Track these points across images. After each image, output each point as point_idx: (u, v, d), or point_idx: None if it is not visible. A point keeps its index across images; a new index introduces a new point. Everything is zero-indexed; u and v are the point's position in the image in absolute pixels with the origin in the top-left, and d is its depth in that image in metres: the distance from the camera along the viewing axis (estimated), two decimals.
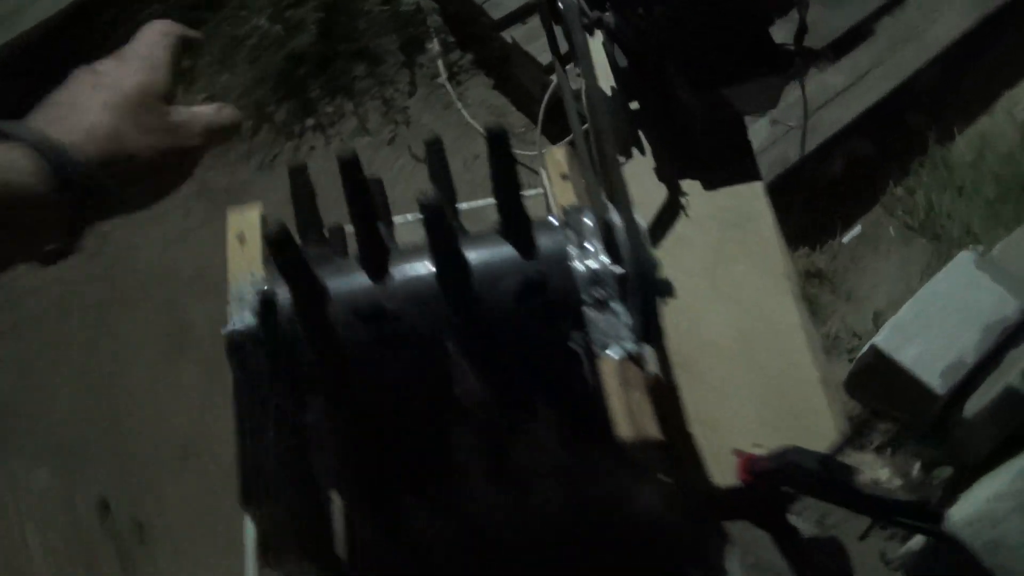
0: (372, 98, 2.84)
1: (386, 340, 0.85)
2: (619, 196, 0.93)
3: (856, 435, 2.25)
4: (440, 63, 2.84)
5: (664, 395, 1.08)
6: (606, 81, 1.42)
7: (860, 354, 2.14)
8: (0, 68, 2.72)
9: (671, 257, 1.24)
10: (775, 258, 1.23)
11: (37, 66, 2.74)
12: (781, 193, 2.43)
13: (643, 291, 0.90)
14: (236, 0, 2.84)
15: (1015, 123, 2.68)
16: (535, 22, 2.63)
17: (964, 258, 2.18)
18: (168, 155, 0.57)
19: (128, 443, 2.25)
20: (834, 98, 2.51)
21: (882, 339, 2.06)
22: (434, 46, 2.86)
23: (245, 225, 0.94)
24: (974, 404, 2.00)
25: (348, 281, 0.86)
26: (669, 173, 1.32)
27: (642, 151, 1.36)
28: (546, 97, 2.16)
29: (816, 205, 2.55)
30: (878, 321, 2.32)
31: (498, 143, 0.89)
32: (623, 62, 1.37)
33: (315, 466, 0.89)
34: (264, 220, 0.87)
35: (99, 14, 2.81)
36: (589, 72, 1.06)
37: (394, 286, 0.86)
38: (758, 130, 2.43)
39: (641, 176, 1.36)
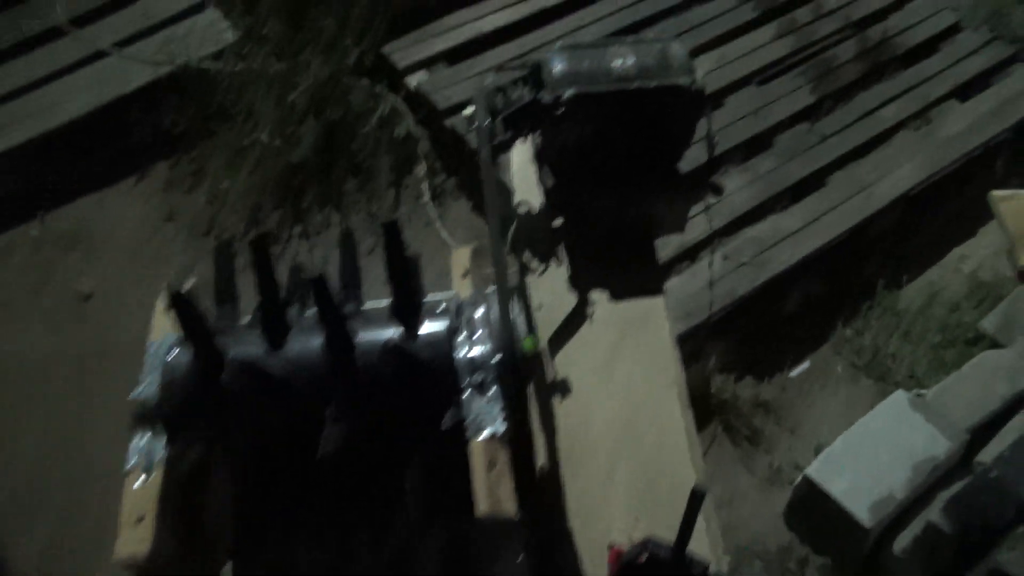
0: (358, 211, 3.03)
1: (272, 402, 0.95)
2: (502, 292, 1.05)
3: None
4: (425, 185, 3.05)
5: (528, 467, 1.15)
6: (536, 197, 1.58)
7: (795, 484, 2.19)
8: (37, 153, 2.98)
9: (572, 357, 1.35)
10: (667, 365, 1.33)
11: (68, 154, 3.07)
12: (731, 325, 2.55)
13: (510, 377, 1.00)
14: (244, 114, 3.09)
15: (962, 276, 2.82)
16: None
17: (899, 397, 2.27)
18: None
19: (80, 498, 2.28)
20: (786, 238, 2.67)
21: (814, 470, 2.11)
22: (421, 168, 3.09)
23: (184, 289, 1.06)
24: (902, 541, 2.02)
25: (246, 348, 0.97)
26: (581, 282, 1.45)
27: (560, 262, 1.50)
28: (512, 228, 2.33)
29: (767, 338, 2.66)
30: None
31: (390, 235, 1.02)
32: (549, 181, 1.53)
33: (203, 512, 0.97)
34: (168, 284, 1.00)
35: (125, 111, 3.09)
36: (491, 190, 1.21)
37: (287, 355, 0.97)
38: (712, 263, 2.58)
39: (558, 284, 1.49)
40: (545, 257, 1.50)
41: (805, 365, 2.65)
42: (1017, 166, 3.03)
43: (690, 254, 2.63)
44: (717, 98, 3.11)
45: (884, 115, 3.05)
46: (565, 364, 1.36)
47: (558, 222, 1.55)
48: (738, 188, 2.80)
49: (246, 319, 1.11)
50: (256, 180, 3.09)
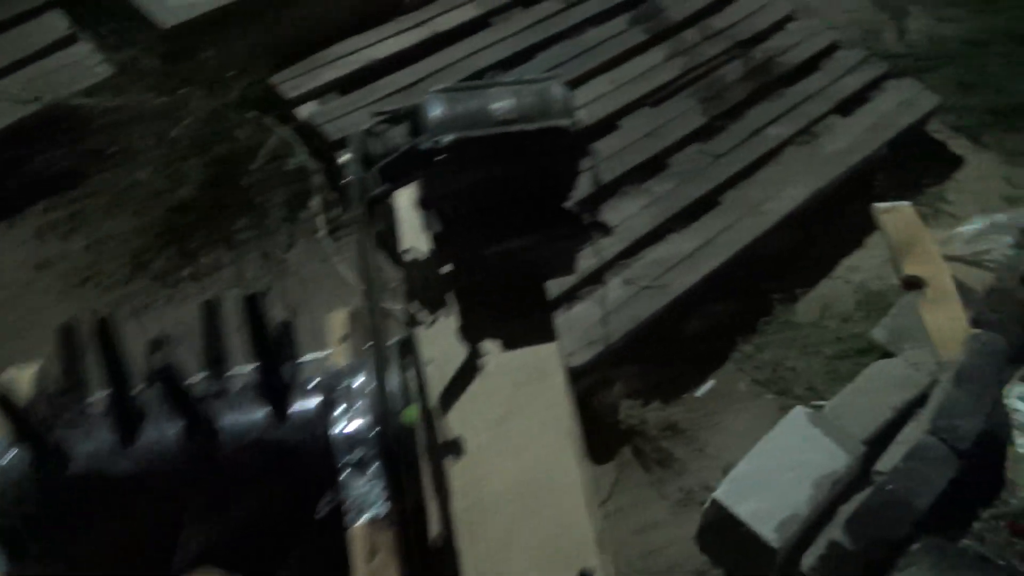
0: (251, 250, 2.91)
1: (123, 507, 0.86)
2: (379, 361, 0.99)
3: None
4: (320, 219, 2.96)
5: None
6: (423, 243, 1.52)
7: (704, 508, 2.20)
8: None
9: (465, 413, 1.30)
10: (562, 416, 1.30)
11: None
12: (634, 349, 2.56)
13: (389, 452, 0.94)
14: (123, 153, 2.93)
15: (852, 287, 2.92)
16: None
17: (798, 414, 2.31)
18: None
19: None
20: (685, 259, 2.70)
21: (721, 492, 2.13)
22: (316, 202, 2.99)
23: (14, 385, 0.96)
24: (809, 559, 2.05)
25: (92, 445, 0.88)
26: (473, 332, 1.41)
27: (449, 311, 1.44)
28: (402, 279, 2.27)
29: (673, 360, 2.68)
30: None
31: (252, 309, 0.95)
32: (436, 226, 1.48)
33: None
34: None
35: None
36: (364, 244, 1.15)
37: (138, 450, 0.88)
38: (612, 288, 2.59)
39: (449, 335, 1.43)
40: (435, 307, 1.45)
41: (710, 384, 2.68)
42: (895, 179, 3.17)
43: (592, 279, 2.63)
44: (612, 120, 3.13)
45: (771, 133, 3.14)
46: (459, 421, 1.31)
47: (447, 268, 1.50)
48: (637, 211, 2.82)
49: (97, 405, 1.01)
50: (140, 223, 2.93)
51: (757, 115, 3.20)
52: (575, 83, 3.22)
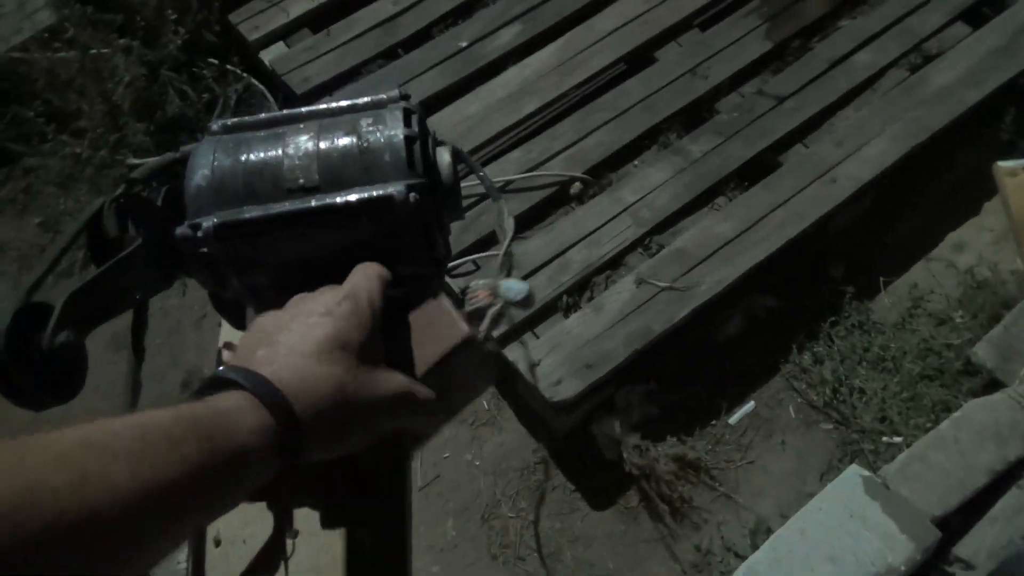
0: None
1: None
2: None
3: None
4: None
5: None
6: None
7: None
8: None
9: None
10: None
11: None
12: (646, 366, 2.02)
13: None
14: (72, 116, 2.55)
15: (954, 275, 2.22)
16: None
17: (851, 477, 1.75)
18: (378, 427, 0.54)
19: None
20: (723, 247, 2.08)
21: None
22: None
23: None
24: None
25: None
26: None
27: None
28: None
29: (698, 376, 2.13)
30: (757, 539, 1.88)
31: None
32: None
33: None
34: None
35: None
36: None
37: None
38: (619, 291, 2.03)
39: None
40: None
41: (747, 407, 2.12)
42: None
43: (590, 278, 2.08)
44: (646, 51, 2.46)
45: (859, 62, 2.37)
46: None
47: None
48: (662, 181, 2.20)
49: None
50: (97, 194, 2.58)
51: (842, 37, 2.42)
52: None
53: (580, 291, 2.07)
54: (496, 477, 2.07)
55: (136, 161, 0.96)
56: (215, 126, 0.85)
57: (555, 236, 2.13)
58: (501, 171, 2.21)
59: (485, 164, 2.21)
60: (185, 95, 2.48)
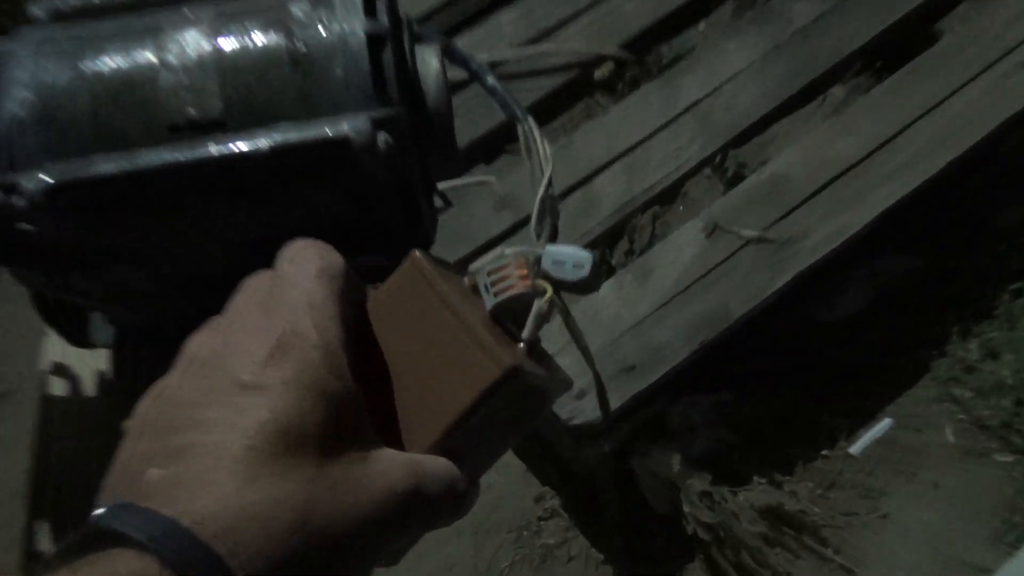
0: None
1: None
2: None
3: None
4: None
5: None
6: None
7: None
8: None
9: None
10: None
11: None
12: (721, 368, 1.26)
13: None
14: None
15: None
16: None
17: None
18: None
19: None
20: (838, 178, 1.29)
21: None
22: None
23: None
24: None
25: None
26: None
27: None
28: None
29: (795, 386, 1.36)
30: None
31: None
32: (107, 337, 0.64)
33: None
34: None
35: None
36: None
37: None
38: (673, 246, 1.25)
39: None
40: None
41: (879, 427, 1.34)
42: None
43: (638, 219, 1.30)
44: None
45: None
46: None
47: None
48: (744, 65, 1.38)
49: None
50: None
51: None
52: None
53: (613, 243, 1.30)
54: (480, 538, 1.33)
55: None
56: (39, 10, 0.45)
57: (573, 152, 1.34)
58: (485, 44, 1.41)
59: (453, 34, 1.40)
60: None
